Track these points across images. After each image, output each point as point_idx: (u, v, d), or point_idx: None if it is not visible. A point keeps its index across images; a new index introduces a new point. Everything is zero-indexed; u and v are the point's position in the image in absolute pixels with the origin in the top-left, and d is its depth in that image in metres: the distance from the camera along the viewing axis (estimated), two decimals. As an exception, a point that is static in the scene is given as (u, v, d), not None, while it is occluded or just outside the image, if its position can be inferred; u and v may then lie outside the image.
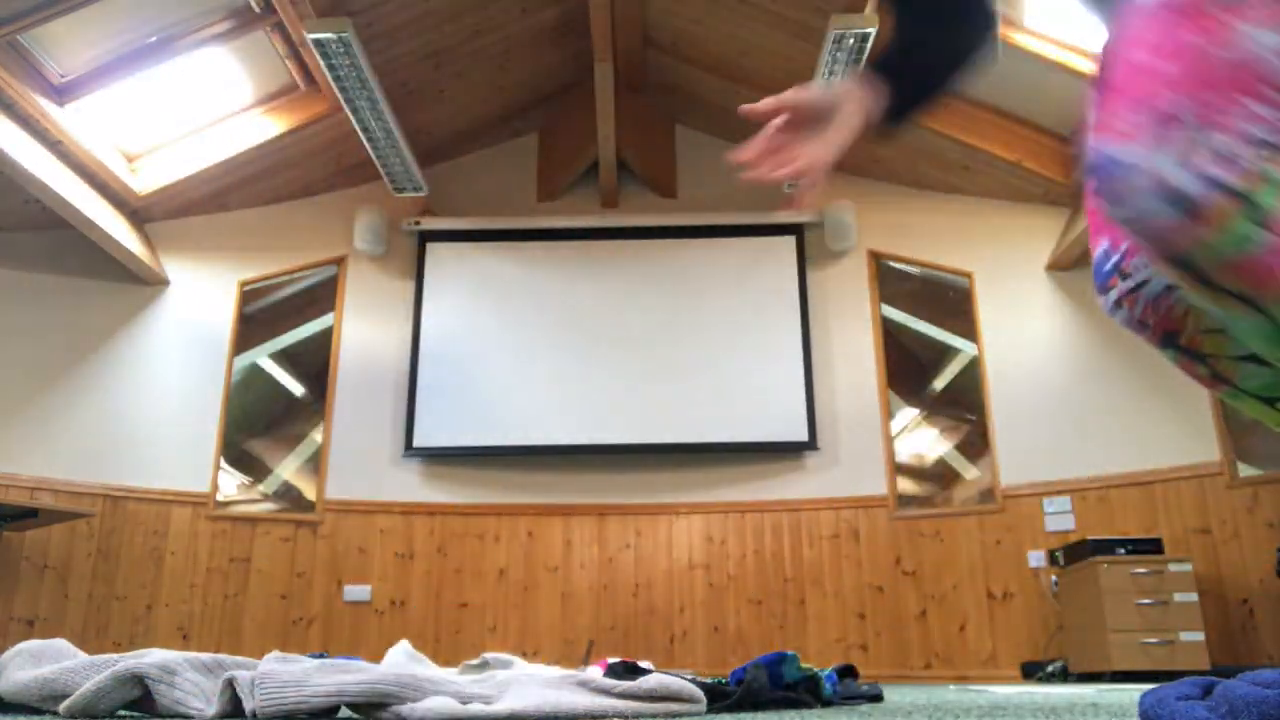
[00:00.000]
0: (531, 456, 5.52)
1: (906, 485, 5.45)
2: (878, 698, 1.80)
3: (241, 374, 5.66)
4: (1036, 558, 5.00)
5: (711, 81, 5.75)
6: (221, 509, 5.32)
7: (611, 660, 1.74)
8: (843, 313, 5.73)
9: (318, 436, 5.61)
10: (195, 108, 5.18)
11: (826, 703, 1.60)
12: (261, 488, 5.57)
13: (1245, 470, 4.69)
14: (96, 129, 4.95)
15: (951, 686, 3.92)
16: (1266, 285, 0.62)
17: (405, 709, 1.01)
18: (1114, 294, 0.85)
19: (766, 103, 0.96)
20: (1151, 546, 4.39)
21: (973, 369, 5.52)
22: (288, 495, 5.53)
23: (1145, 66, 0.68)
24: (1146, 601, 4.20)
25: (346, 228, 5.92)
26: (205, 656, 1.17)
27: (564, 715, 1.10)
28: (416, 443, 5.49)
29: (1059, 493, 5.05)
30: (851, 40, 4.37)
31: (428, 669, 1.53)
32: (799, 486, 5.44)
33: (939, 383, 5.72)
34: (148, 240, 5.61)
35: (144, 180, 5.33)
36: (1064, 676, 4.57)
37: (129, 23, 4.53)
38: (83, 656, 1.19)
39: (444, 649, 5.17)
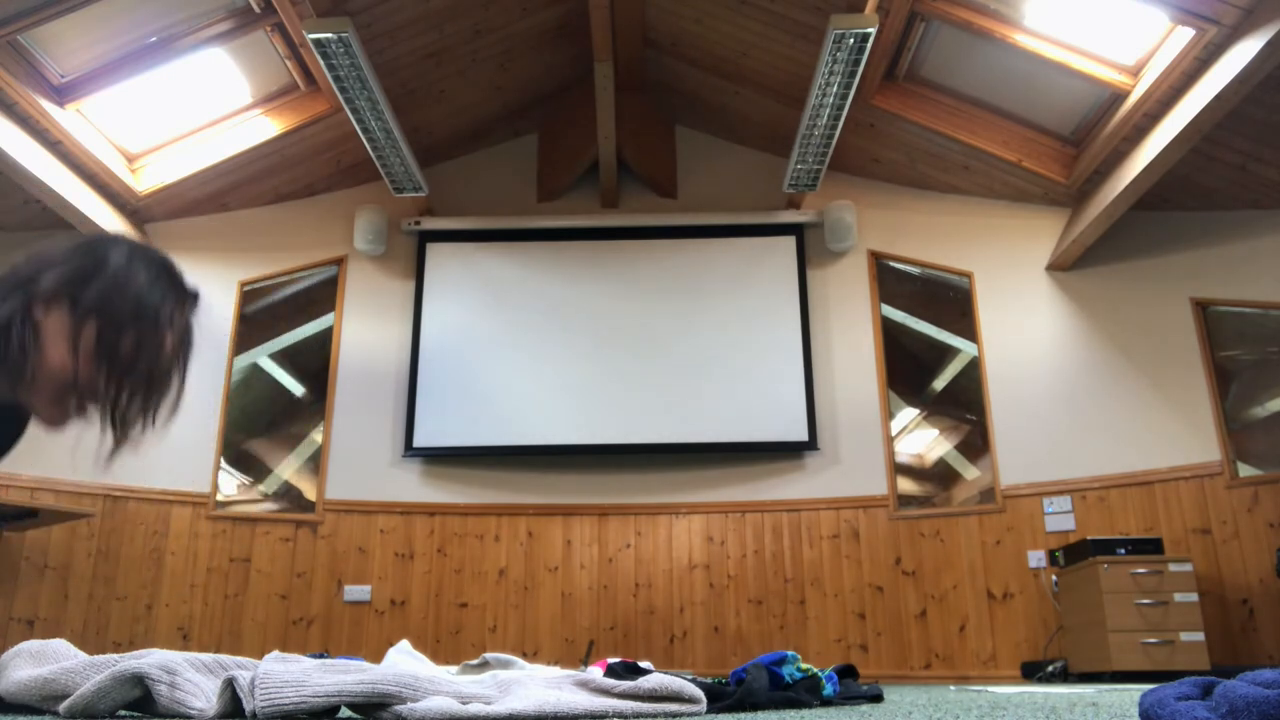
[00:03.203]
0: (531, 456, 5.52)
1: (906, 485, 5.45)
2: (878, 698, 1.80)
3: (241, 374, 5.66)
4: (1036, 558, 5.00)
5: (711, 81, 5.75)
6: (221, 509, 5.32)
7: (611, 660, 1.74)
8: (843, 313, 5.73)
9: (318, 436, 5.61)
10: (195, 108, 5.18)
11: (826, 702, 1.60)
12: (261, 488, 5.57)
13: (1245, 470, 4.69)
14: (96, 129, 4.95)
15: (951, 686, 3.92)
16: None
17: (405, 709, 1.01)
18: None
19: None
20: (1151, 546, 4.40)
21: (973, 369, 5.52)
22: (288, 495, 5.53)
23: None
24: (1146, 601, 4.20)
25: (346, 228, 5.92)
26: (205, 656, 1.17)
27: (564, 715, 1.10)
28: (416, 443, 5.49)
29: (1059, 493, 5.05)
30: (851, 40, 4.36)
31: (428, 669, 1.53)
32: (799, 486, 5.44)
33: (939, 383, 5.72)
34: (148, 240, 5.61)
35: (144, 180, 5.33)
36: (1064, 676, 4.57)
37: (129, 23, 4.53)
38: (83, 656, 1.19)
39: (444, 649, 5.17)
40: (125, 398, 1.23)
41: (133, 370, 1.21)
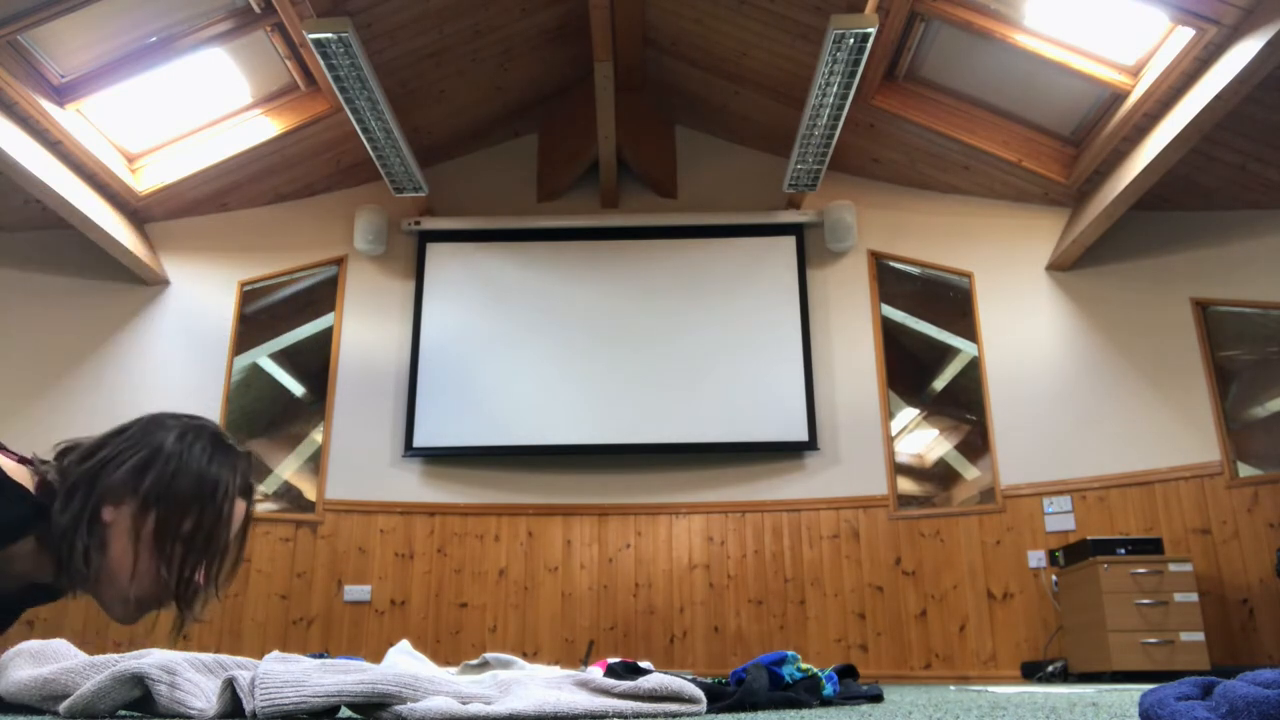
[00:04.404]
0: (531, 456, 5.52)
1: (906, 485, 5.45)
2: (878, 698, 1.79)
3: (241, 374, 5.66)
4: (1036, 558, 5.00)
5: (711, 81, 5.75)
6: (221, 509, 5.31)
7: (611, 660, 1.74)
8: (843, 313, 5.73)
9: (318, 436, 5.61)
10: (195, 108, 5.18)
11: (826, 702, 1.60)
12: (261, 488, 5.57)
13: (1245, 470, 4.70)
14: (96, 129, 4.95)
15: (951, 686, 3.92)
16: None
17: (405, 709, 1.01)
18: None
19: None
20: (1151, 546, 4.40)
21: (973, 369, 5.52)
22: (288, 495, 5.53)
23: None
24: (1146, 601, 4.20)
25: (346, 228, 5.92)
26: (205, 656, 1.16)
27: (564, 715, 1.10)
28: (416, 443, 5.49)
29: (1059, 493, 5.05)
30: (851, 40, 4.36)
31: (428, 669, 1.53)
32: (799, 486, 5.44)
33: (939, 383, 5.72)
34: (148, 240, 5.61)
35: (144, 180, 5.33)
36: (1064, 676, 4.57)
37: (129, 23, 4.53)
38: (83, 656, 1.18)
39: (444, 649, 5.17)
40: (191, 578, 1.25)
41: (197, 550, 1.24)
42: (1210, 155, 4.72)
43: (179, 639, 1.29)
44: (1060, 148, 5.26)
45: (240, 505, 1.31)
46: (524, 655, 5.14)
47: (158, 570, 1.21)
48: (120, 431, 1.27)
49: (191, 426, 1.30)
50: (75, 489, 1.20)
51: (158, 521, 1.20)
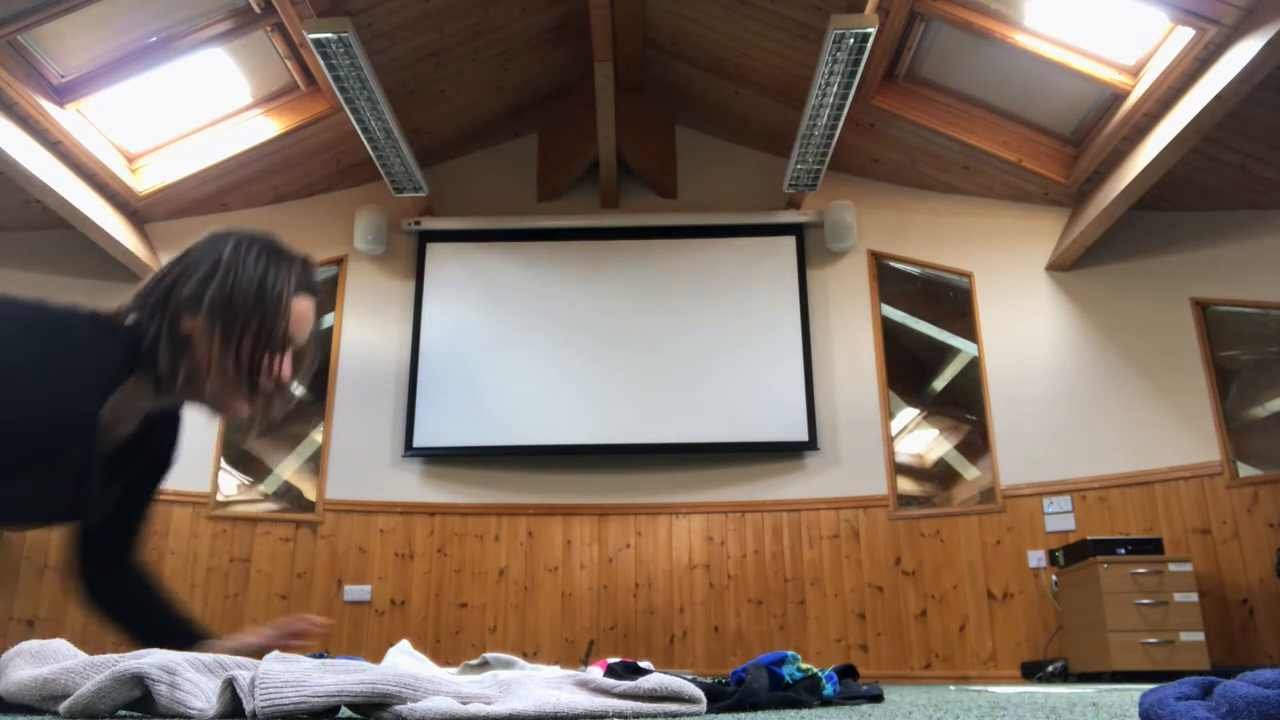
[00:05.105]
0: (531, 456, 5.52)
1: (906, 485, 5.45)
2: (878, 698, 1.79)
3: (241, 374, 5.66)
4: (1036, 558, 5.00)
5: (711, 81, 5.75)
6: (221, 509, 5.32)
7: (611, 660, 1.74)
8: (843, 313, 5.73)
9: (318, 436, 5.61)
10: (195, 108, 5.18)
11: (826, 703, 1.60)
12: (261, 488, 5.57)
13: (1245, 470, 4.70)
14: (96, 129, 4.95)
15: (951, 686, 3.92)
16: None
17: (405, 709, 1.01)
18: None
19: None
20: (1151, 546, 4.40)
21: (973, 369, 5.52)
22: (288, 495, 5.53)
23: None
24: (1146, 601, 4.20)
25: (346, 228, 5.92)
26: (205, 656, 1.17)
27: (564, 715, 1.10)
28: (416, 443, 5.49)
29: (1059, 493, 5.05)
30: (851, 40, 4.36)
31: (428, 669, 1.53)
32: (799, 486, 5.44)
33: (939, 383, 5.72)
34: (148, 240, 5.61)
35: (144, 180, 5.33)
36: (1064, 676, 4.57)
37: (129, 23, 4.53)
38: (83, 656, 1.19)
39: (444, 649, 5.17)
40: (259, 371, 1.36)
41: (262, 345, 1.36)
42: (1210, 155, 4.72)
43: (263, 431, 1.42)
44: (1060, 148, 5.26)
45: (303, 302, 1.42)
46: (524, 655, 5.15)
47: (232, 367, 1.33)
48: (184, 254, 1.39)
49: (246, 237, 1.41)
50: (155, 310, 1.33)
51: (225, 324, 1.33)
